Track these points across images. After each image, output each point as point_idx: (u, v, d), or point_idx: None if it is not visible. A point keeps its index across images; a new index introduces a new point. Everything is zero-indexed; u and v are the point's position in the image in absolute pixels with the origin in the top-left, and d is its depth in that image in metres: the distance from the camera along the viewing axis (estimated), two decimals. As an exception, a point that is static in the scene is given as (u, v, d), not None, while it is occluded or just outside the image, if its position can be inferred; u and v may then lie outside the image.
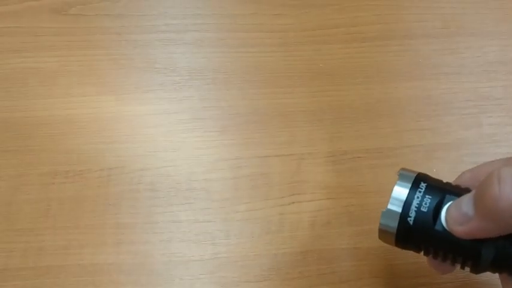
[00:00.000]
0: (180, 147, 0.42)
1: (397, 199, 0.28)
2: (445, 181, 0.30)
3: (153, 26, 0.48)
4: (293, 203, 0.40)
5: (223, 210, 0.40)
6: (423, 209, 0.28)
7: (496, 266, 0.27)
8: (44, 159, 0.41)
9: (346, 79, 0.46)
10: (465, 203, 0.27)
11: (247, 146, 0.42)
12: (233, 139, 0.42)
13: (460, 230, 0.27)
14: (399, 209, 0.28)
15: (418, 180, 0.29)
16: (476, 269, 0.28)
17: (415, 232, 0.28)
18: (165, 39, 0.47)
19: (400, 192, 0.28)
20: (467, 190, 0.28)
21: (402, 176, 0.29)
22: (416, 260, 0.36)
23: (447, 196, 0.28)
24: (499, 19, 0.49)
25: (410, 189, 0.28)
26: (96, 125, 0.43)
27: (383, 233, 0.29)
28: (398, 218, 0.28)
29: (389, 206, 0.28)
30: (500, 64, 0.47)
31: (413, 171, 0.30)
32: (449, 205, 0.28)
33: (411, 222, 0.28)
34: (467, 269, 0.29)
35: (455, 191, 0.29)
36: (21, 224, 0.39)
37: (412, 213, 0.28)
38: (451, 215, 0.27)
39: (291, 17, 0.49)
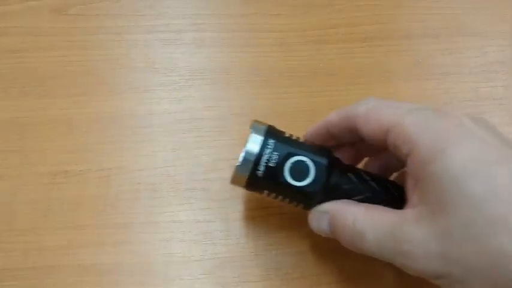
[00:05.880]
0: (180, 147, 0.42)
1: (249, 153, 0.33)
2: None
3: (153, 26, 0.48)
4: (293, 203, 0.40)
5: (223, 210, 0.40)
6: (271, 164, 0.33)
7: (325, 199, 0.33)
8: (44, 159, 0.41)
9: (346, 79, 0.46)
10: (324, 225, 0.33)
11: (247, 146, 0.42)
12: (233, 139, 0.42)
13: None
14: (251, 164, 0.33)
15: (268, 135, 0.34)
16: (309, 208, 0.34)
17: (263, 182, 0.33)
18: (164, 39, 0.47)
19: (253, 148, 0.33)
20: (309, 149, 0.34)
21: (254, 128, 0.34)
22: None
23: (291, 154, 0.33)
24: (499, 19, 0.49)
25: (261, 146, 0.33)
26: (96, 125, 0.43)
27: (236, 179, 0.34)
28: (250, 170, 0.33)
29: (243, 159, 0.33)
30: (500, 64, 0.47)
31: (264, 124, 0.35)
32: (312, 212, 0.34)
33: (260, 175, 0.33)
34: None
35: (298, 149, 0.34)
36: (21, 224, 0.39)
37: (262, 168, 0.33)
38: (312, 226, 0.34)
39: (291, 17, 0.49)
